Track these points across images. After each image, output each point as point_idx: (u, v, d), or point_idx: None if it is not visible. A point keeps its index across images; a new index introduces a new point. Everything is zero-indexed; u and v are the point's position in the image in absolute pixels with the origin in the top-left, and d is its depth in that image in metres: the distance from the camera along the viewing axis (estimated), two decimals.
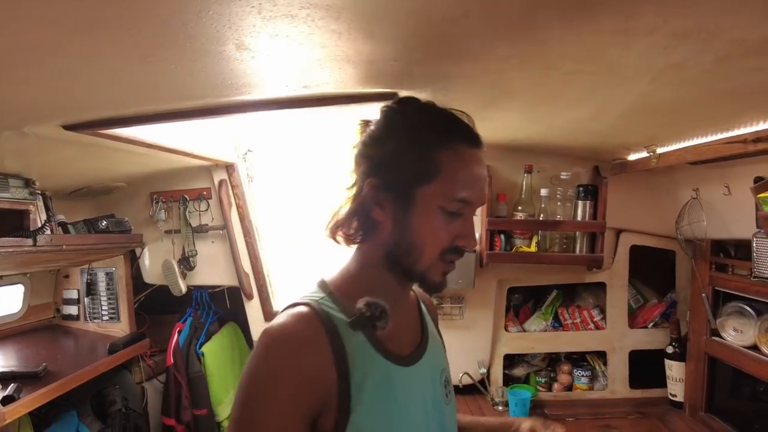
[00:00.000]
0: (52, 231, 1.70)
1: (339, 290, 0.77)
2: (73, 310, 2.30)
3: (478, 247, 1.96)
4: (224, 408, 2.30)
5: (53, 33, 0.69)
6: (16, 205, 1.56)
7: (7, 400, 1.47)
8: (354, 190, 0.77)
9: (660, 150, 1.49)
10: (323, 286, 0.78)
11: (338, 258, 0.84)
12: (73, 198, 2.09)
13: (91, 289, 2.27)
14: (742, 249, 1.70)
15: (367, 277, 0.78)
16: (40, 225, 1.63)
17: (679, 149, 1.37)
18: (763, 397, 1.62)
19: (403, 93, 1.08)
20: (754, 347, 1.58)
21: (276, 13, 0.66)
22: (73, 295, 2.30)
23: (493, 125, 1.57)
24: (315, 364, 0.68)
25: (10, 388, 1.52)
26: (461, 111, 0.77)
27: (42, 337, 2.18)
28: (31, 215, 1.61)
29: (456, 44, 0.81)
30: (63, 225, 1.86)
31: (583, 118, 1.33)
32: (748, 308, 1.61)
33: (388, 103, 0.79)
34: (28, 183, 1.60)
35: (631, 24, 0.70)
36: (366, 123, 0.80)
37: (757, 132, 1.14)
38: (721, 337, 1.71)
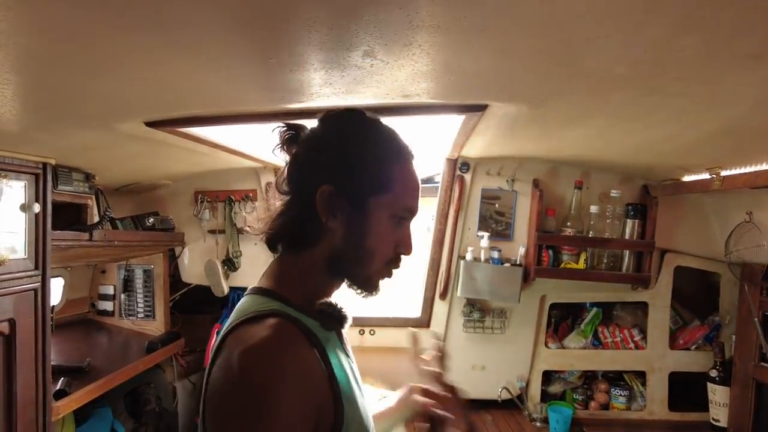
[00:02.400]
0: (102, 226, 1.70)
1: (291, 297, 0.75)
2: (108, 305, 2.29)
3: (524, 261, 1.95)
4: None
5: (199, 33, 0.69)
6: (76, 198, 1.56)
7: (60, 395, 1.46)
8: (296, 196, 0.78)
9: (723, 173, 1.49)
10: (272, 295, 0.75)
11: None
12: (119, 193, 2.09)
13: (127, 285, 2.26)
14: None
15: (313, 282, 0.79)
16: (97, 219, 1.63)
17: (749, 173, 1.37)
18: None
19: (496, 105, 1.09)
20: None
21: (426, 22, 0.66)
22: (109, 290, 2.29)
23: (556, 142, 1.58)
24: (312, 376, 0.67)
25: (61, 382, 1.51)
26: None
27: (78, 331, 2.17)
28: (89, 209, 1.62)
29: (576, 63, 0.81)
30: (111, 220, 1.86)
31: (655, 140, 1.34)
32: None
33: (333, 111, 0.81)
34: (88, 177, 1.60)
35: None
36: (293, 128, 0.80)
37: None
38: None
